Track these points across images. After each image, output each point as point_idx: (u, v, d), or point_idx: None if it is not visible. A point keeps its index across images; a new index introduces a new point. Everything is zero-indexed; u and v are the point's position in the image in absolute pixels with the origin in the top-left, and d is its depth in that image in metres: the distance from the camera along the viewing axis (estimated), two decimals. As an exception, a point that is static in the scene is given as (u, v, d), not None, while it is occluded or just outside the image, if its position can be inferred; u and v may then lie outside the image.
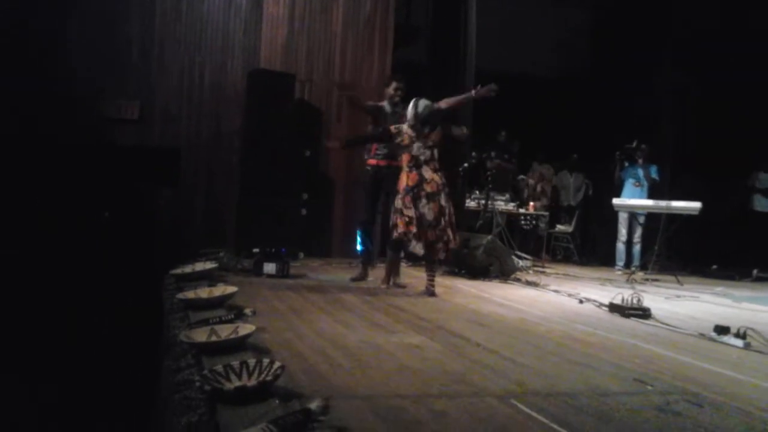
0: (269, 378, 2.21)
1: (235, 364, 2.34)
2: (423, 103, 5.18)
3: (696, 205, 7.44)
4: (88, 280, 6.13)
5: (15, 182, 6.64)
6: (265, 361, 2.36)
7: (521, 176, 10.57)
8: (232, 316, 3.36)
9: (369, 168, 5.95)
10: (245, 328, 2.92)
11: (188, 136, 7.67)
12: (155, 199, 7.36)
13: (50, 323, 5.40)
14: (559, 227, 10.26)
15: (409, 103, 5.31)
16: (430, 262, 5.33)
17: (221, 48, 7.83)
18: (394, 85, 5.87)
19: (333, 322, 3.76)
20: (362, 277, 5.93)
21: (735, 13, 9.48)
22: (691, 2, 9.80)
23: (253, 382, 2.22)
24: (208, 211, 7.67)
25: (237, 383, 2.22)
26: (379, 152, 5.87)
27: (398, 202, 5.14)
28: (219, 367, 2.32)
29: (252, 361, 2.36)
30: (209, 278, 4.83)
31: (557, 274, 7.83)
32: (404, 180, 5.14)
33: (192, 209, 7.61)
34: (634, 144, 8.68)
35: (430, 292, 5.20)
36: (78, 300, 5.82)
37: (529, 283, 6.51)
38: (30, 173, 6.71)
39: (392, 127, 5.29)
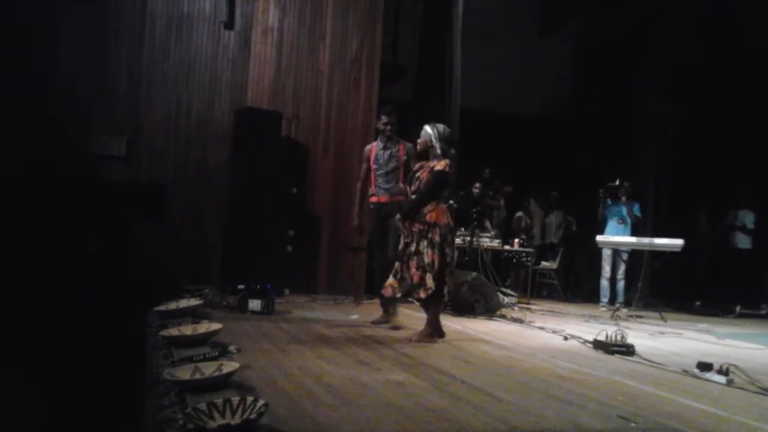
0: (253, 416, 2.21)
1: (219, 401, 2.34)
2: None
3: (678, 242, 7.52)
4: (71, 316, 6.08)
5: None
6: (249, 398, 2.35)
7: (519, 213, 10.64)
8: (217, 353, 3.34)
9: (371, 205, 5.73)
10: (229, 366, 2.91)
11: (175, 173, 7.69)
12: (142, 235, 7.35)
13: (31, 359, 5.33)
14: (544, 264, 10.33)
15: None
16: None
17: (209, 85, 7.90)
18: (383, 119, 5.68)
19: (317, 360, 3.75)
20: (384, 319, 5.49)
21: (716, 45, 9.72)
22: (673, 35, 10.03)
23: (236, 420, 2.21)
24: (194, 247, 7.65)
25: (220, 421, 2.22)
26: (380, 186, 5.65)
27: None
28: (202, 405, 2.31)
29: (236, 399, 2.35)
30: (193, 315, 4.81)
31: (542, 310, 7.86)
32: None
33: (178, 245, 7.58)
34: (617, 182, 8.79)
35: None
36: (59, 335, 5.76)
37: (514, 320, 6.53)
38: (15, 205, 6.68)
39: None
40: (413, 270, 4.72)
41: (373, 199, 5.69)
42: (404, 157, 5.58)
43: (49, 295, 6.24)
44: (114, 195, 7.31)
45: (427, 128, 4.92)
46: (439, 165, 4.77)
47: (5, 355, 5.25)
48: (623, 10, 10.38)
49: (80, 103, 7.32)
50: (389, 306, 5.49)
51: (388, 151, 5.61)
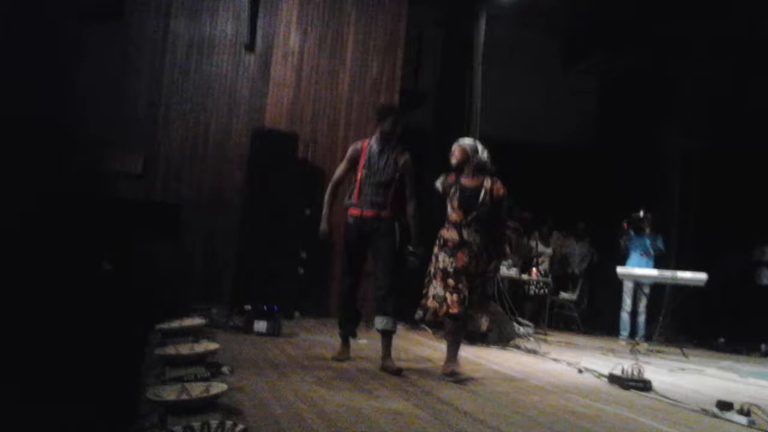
0: (229, 440, 2.09)
1: (197, 424, 2.22)
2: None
3: (702, 276, 7.26)
4: (82, 334, 6.03)
5: (16, 230, 6.61)
6: (228, 422, 2.23)
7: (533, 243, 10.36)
8: (208, 374, 3.23)
9: (350, 219, 4.64)
10: (217, 387, 2.79)
11: (190, 193, 7.68)
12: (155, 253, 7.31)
13: (37, 375, 5.27)
14: (563, 295, 10.08)
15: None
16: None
17: (227, 107, 7.91)
18: (392, 119, 4.64)
19: (315, 384, 3.62)
20: (344, 355, 4.75)
21: (742, 80, 9.56)
22: (697, 70, 9.89)
23: (212, 444, 2.09)
24: (207, 266, 7.60)
25: (195, 445, 2.10)
26: (366, 198, 4.58)
27: None
28: (178, 429, 2.20)
29: (215, 423, 2.24)
30: (195, 334, 4.71)
31: (559, 342, 7.64)
32: None
33: (191, 265, 7.53)
34: (641, 213, 8.58)
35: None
36: (71, 352, 5.70)
37: (528, 351, 6.34)
38: (33, 222, 6.70)
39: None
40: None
41: (354, 211, 4.61)
42: (402, 171, 4.58)
43: (65, 314, 6.20)
44: (129, 213, 7.31)
45: (467, 140, 4.61)
46: (498, 188, 4.45)
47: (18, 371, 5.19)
48: (645, 48, 10.24)
49: (99, 121, 7.35)
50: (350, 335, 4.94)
51: (385, 158, 4.57)
